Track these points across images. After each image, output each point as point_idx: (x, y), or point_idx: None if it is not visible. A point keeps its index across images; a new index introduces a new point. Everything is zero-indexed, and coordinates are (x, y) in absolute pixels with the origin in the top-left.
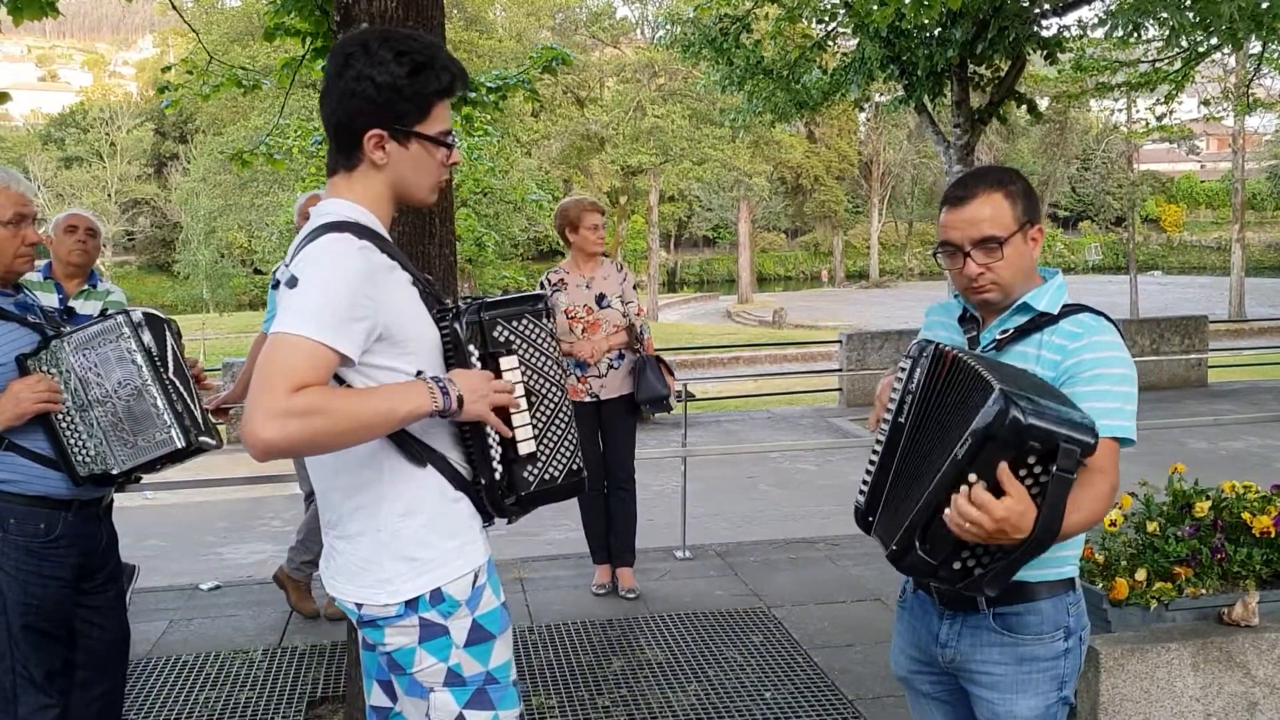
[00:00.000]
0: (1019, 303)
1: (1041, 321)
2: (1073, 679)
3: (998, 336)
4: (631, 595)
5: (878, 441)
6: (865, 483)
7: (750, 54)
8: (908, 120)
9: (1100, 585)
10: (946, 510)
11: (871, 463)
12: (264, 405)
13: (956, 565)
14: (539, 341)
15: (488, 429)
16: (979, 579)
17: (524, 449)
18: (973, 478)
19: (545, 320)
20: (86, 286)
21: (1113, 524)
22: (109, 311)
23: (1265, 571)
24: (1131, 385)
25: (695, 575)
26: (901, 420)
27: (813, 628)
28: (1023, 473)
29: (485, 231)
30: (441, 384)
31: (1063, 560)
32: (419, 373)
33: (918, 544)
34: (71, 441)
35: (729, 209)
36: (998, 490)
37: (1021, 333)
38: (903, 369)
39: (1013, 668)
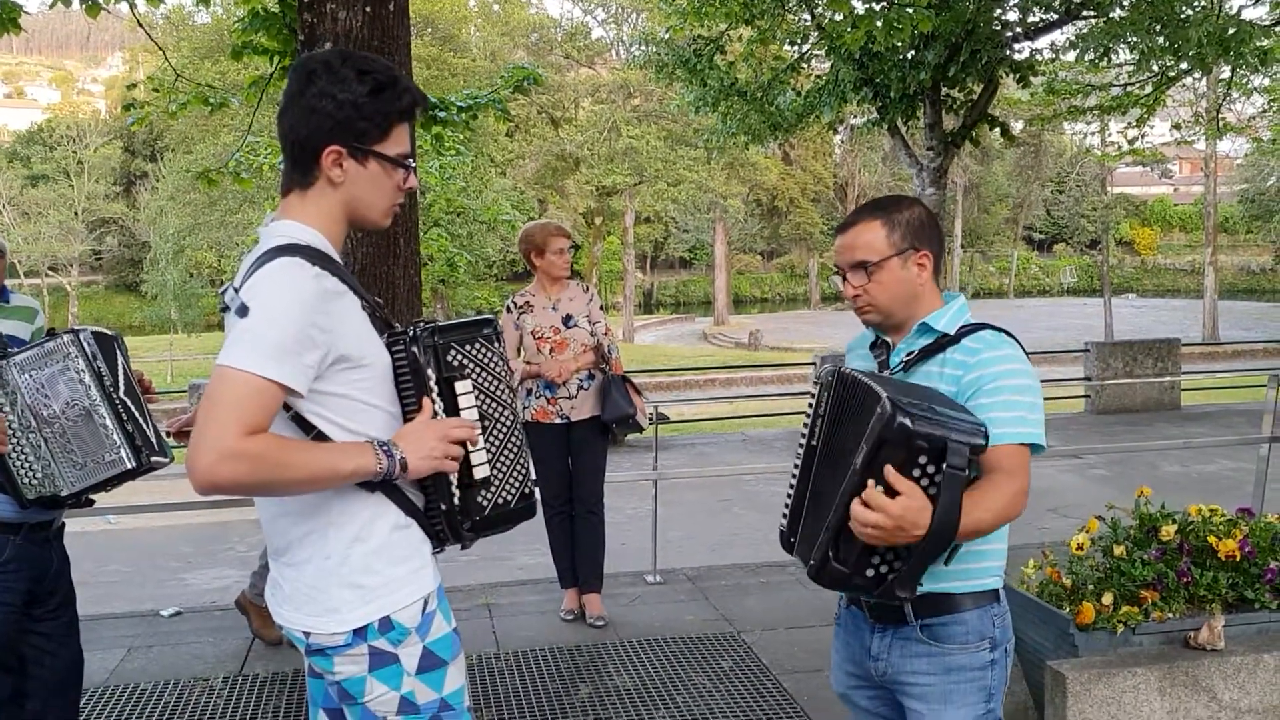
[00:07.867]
0: (919, 325)
1: (944, 342)
2: (999, 693)
3: (904, 359)
4: (599, 624)
5: (795, 465)
6: (786, 505)
7: (724, 75)
8: (882, 143)
9: (1067, 609)
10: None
11: (791, 485)
12: (216, 444)
13: (870, 573)
14: (491, 365)
15: None
16: (892, 584)
17: (478, 474)
18: (871, 483)
19: (496, 344)
20: None
21: (1080, 548)
22: (56, 330)
23: (1231, 595)
24: (1035, 395)
25: (665, 600)
26: (814, 443)
27: (782, 652)
28: (916, 473)
29: (457, 252)
30: (386, 447)
31: (985, 571)
32: (371, 440)
33: (831, 556)
34: (18, 464)
35: (705, 231)
36: (896, 494)
37: (925, 354)
38: (813, 395)
39: (940, 678)
